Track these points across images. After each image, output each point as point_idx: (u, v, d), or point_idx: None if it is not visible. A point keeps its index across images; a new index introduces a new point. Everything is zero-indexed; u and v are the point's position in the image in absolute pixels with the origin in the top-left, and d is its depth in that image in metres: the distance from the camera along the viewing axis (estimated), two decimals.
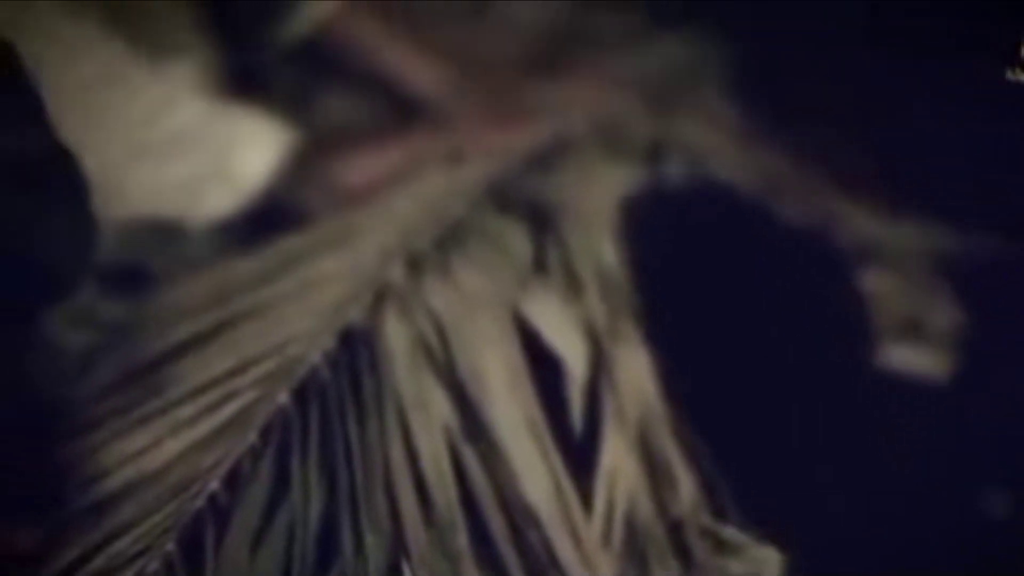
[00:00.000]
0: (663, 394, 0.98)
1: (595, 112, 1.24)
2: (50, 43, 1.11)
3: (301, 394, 0.91)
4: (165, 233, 1.11)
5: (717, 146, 1.23)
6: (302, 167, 1.17)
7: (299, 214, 1.16)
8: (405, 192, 1.11)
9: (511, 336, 0.98)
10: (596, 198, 1.14)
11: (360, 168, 1.18)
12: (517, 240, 1.06)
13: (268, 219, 1.16)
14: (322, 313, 0.96)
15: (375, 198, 1.14)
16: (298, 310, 0.97)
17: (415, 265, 1.01)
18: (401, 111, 1.23)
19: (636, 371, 0.99)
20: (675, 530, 0.94)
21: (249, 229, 1.16)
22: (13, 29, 1.07)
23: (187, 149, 1.15)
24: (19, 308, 0.81)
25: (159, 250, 1.09)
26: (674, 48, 1.38)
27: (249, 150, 1.16)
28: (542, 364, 0.97)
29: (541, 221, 1.08)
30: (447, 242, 1.04)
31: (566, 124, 1.22)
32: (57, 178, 0.84)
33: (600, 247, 1.07)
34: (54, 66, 1.08)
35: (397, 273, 0.99)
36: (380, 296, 0.97)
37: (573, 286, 1.03)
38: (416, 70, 1.24)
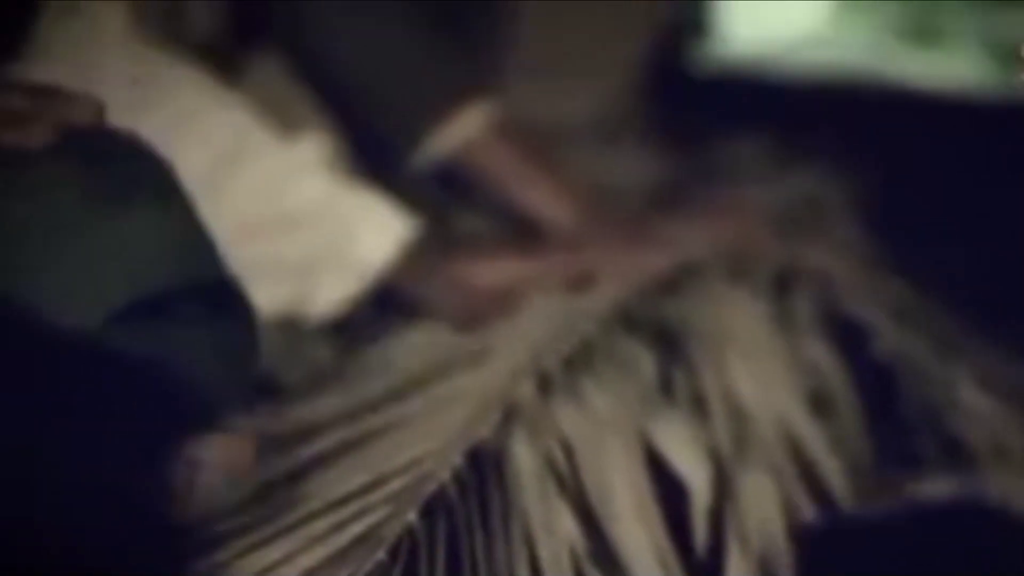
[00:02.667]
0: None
1: (722, 239, 1.26)
2: (176, 113, 1.13)
3: (429, 512, 0.92)
4: (283, 324, 1.12)
5: (843, 273, 1.24)
6: (425, 260, 1.18)
7: (418, 307, 1.18)
8: (535, 312, 1.13)
9: (638, 459, 0.98)
10: (723, 323, 1.15)
11: (485, 272, 1.19)
12: (645, 362, 1.07)
13: (387, 308, 1.18)
14: (451, 431, 0.97)
15: (498, 304, 1.16)
16: (428, 428, 0.98)
17: (544, 385, 1.02)
18: (529, 228, 1.25)
19: (760, 498, 0.99)
20: None
21: (368, 318, 1.18)
22: (141, 103, 1.10)
23: (307, 227, 1.15)
24: (161, 432, 0.82)
25: (277, 342, 1.10)
26: (801, 177, 1.40)
27: (371, 234, 1.16)
28: (668, 487, 0.98)
29: (668, 344, 1.09)
30: (576, 363, 1.05)
31: (693, 249, 1.23)
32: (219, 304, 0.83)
33: (726, 372, 1.07)
34: (179, 137, 1.10)
35: (526, 393, 1.01)
36: (509, 416, 0.98)
37: (699, 410, 1.04)
38: (546, 194, 1.25)
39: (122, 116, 1.08)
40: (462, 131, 1.23)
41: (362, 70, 1.24)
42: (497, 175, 1.24)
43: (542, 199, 1.25)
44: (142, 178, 0.82)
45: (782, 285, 1.21)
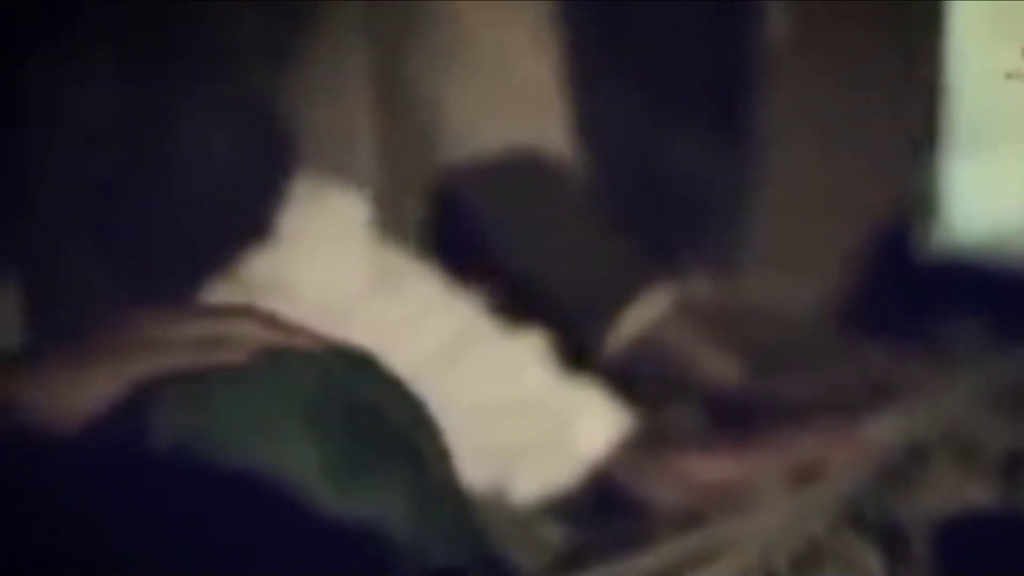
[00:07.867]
0: None
1: (947, 422, 1.25)
2: (407, 303, 1.16)
3: None
4: (492, 504, 1.14)
5: None
6: (642, 454, 1.18)
7: (638, 502, 1.18)
8: (761, 507, 1.13)
9: None
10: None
11: (706, 466, 1.19)
12: (871, 563, 1.06)
13: (604, 502, 1.18)
14: None
15: (722, 499, 1.16)
16: None
17: None
18: (743, 418, 1.25)
19: None
20: None
21: (584, 510, 1.18)
22: (376, 294, 1.14)
23: (524, 415, 1.16)
24: None
25: (506, 526, 1.11)
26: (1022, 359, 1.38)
27: (586, 426, 1.17)
28: None
29: (896, 542, 1.08)
30: (804, 563, 1.05)
31: (917, 436, 1.23)
32: None
33: None
34: (409, 326, 1.14)
35: None
36: None
37: None
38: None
39: (357, 305, 1.13)
40: (647, 313, 1.24)
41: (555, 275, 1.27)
42: (688, 353, 1.25)
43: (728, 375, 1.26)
44: (392, 442, 0.72)
45: (1010, 470, 1.20)
